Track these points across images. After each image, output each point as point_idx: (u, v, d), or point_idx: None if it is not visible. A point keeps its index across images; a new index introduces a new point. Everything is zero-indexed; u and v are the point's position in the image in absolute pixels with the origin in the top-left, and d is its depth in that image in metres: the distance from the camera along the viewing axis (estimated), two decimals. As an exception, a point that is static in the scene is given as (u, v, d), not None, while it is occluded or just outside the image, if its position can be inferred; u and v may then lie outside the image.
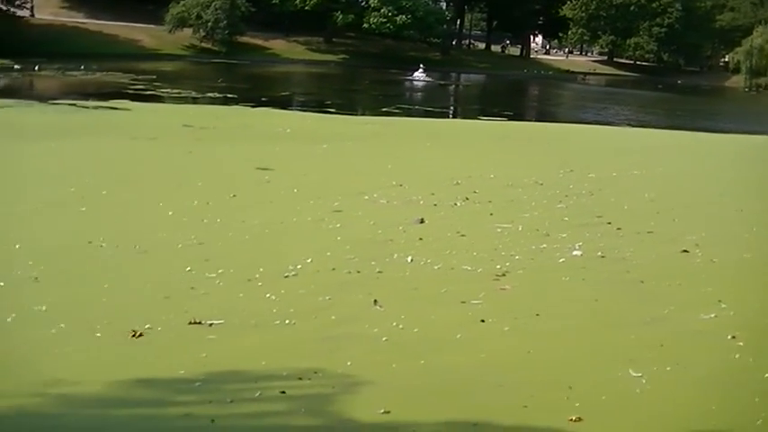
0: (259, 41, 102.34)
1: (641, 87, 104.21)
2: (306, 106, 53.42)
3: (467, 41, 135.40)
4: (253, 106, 45.09)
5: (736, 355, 8.97)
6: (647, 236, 15.62)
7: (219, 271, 12.57)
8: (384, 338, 9.72)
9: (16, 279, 11.90)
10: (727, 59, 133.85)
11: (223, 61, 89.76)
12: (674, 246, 14.67)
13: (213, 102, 49.95)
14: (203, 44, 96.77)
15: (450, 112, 61.46)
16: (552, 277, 12.62)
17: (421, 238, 15.07)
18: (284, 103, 51.57)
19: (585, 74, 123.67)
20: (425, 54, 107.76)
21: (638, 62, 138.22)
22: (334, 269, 12.87)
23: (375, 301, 11.17)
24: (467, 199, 19.02)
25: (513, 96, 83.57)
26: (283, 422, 7.54)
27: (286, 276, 12.41)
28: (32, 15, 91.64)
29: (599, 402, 7.80)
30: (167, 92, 52.94)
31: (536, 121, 54.30)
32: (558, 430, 7.33)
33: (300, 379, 8.38)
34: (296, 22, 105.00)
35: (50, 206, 17.01)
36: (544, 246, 14.70)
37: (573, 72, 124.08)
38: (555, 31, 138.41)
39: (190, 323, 10.17)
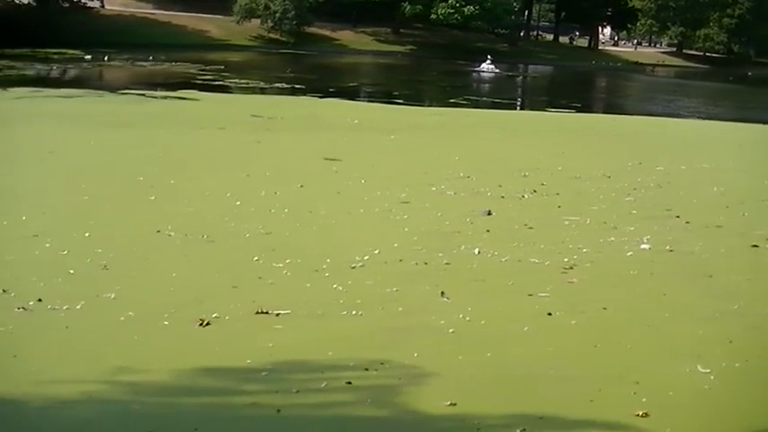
0: (327, 32, 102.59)
1: (711, 79, 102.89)
2: (373, 97, 53.48)
3: (534, 32, 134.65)
4: (320, 97, 45.12)
5: (808, 352, 8.89)
6: (716, 230, 15.48)
7: (287, 261, 12.60)
8: (451, 330, 9.71)
9: (86, 267, 12.00)
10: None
11: (291, 52, 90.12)
12: (743, 240, 14.53)
13: (281, 92, 50.08)
14: (271, 35, 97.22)
15: (518, 103, 61.16)
16: (620, 271, 12.55)
17: (488, 230, 15.04)
18: (352, 94, 51.59)
19: (654, 65, 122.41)
20: (493, 45, 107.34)
21: (707, 54, 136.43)
22: (401, 260, 12.88)
23: (442, 292, 11.16)
24: (534, 191, 18.95)
25: (581, 88, 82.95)
26: (349, 413, 7.56)
27: (353, 267, 12.42)
28: (102, 6, 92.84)
29: (666, 398, 7.75)
30: (235, 82, 53.25)
31: (604, 113, 53.84)
32: (624, 425, 7.29)
33: (367, 370, 8.39)
34: (363, 12, 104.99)
35: (119, 195, 17.14)
36: (612, 239, 14.62)
37: (641, 64, 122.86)
38: (623, 22, 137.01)
39: (257, 313, 10.21)
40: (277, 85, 53.53)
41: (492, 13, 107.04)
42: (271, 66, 74.70)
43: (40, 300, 10.37)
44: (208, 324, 9.76)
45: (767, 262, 13.16)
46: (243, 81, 54.13)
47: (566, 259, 13.06)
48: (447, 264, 12.77)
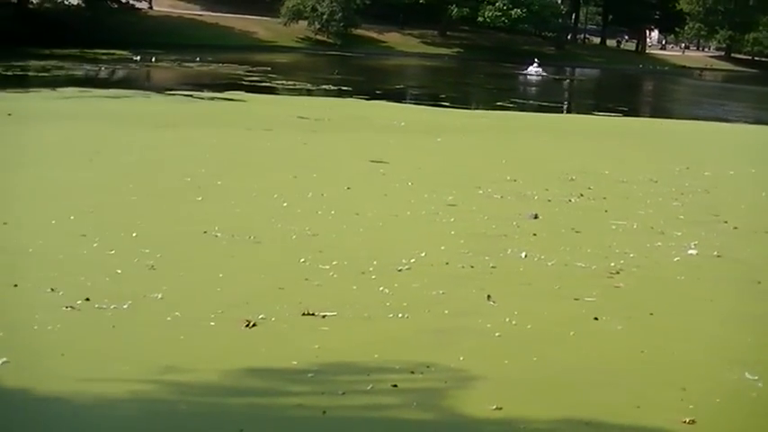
0: (373, 34, 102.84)
1: (759, 83, 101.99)
2: (420, 99, 53.44)
3: (581, 36, 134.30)
4: (367, 99, 45.07)
5: None
6: (765, 235, 15.42)
7: (333, 263, 12.61)
8: (497, 334, 9.72)
9: (133, 267, 12.05)
10: None
11: (338, 53, 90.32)
12: (792, 246, 14.47)
13: (328, 94, 50.13)
14: (318, 36, 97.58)
15: (564, 106, 60.94)
16: (667, 276, 12.52)
17: (535, 234, 15.02)
18: (398, 96, 51.53)
19: (702, 69, 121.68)
20: (540, 48, 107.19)
21: (756, 58, 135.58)
22: (447, 263, 12.87)
23: (488, 296, 11.17)
24: (581, 195, 18.90)
25: (628, 91, 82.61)
26: (395, 416, 7.58)
27: (399, 270, 12.42)
28: (151, 7, 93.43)
29: (713, 405, 7.72)
30: (282, 84, 53.32)
31: (650, 116, 53.59)
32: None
33: (412, 373, 8.41)
34: (410, 15, 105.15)
35: (166, 195, 17.21)
36: (659, 244, 14.58)
37: (689, 68, 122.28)
38: (671, 25, 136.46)
39: (303, 314, 10.24)
40: (324, 86, 53.59)
41: (539, 17, 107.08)
42: (317, 67, 74.79)
43: (87, 299, 10.42)
44: (254, 325, 9.79)
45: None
46: (290, 82, 54.20)
47: (612, 264, 13.05)
48: (493, 267, 12.76)
